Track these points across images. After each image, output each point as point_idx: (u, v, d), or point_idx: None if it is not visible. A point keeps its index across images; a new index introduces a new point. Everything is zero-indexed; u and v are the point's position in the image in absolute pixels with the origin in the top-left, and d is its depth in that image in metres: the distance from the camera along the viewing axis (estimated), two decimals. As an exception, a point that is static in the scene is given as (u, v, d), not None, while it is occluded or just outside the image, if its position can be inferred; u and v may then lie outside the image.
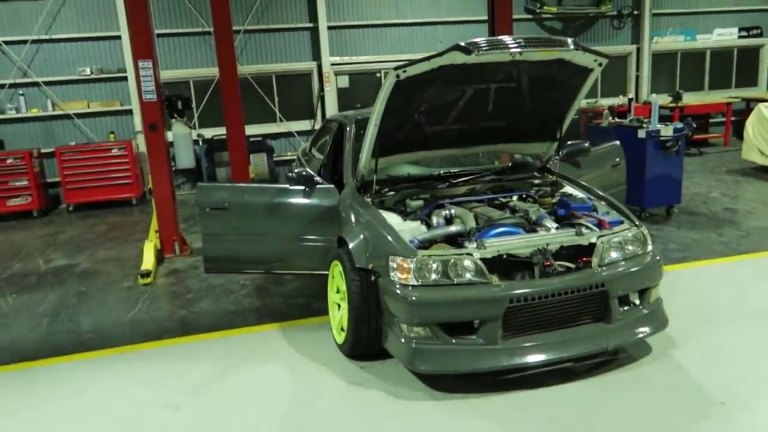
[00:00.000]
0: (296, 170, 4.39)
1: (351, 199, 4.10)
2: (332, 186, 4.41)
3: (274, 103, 10.78)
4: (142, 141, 10.04)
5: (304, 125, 10.90)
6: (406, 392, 3.38)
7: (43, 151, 9.63)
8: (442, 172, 4.46)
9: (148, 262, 5.94)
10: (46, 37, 9.58)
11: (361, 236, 3.69)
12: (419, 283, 3.26)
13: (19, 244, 7.61)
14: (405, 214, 3.93)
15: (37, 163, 9.26)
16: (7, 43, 9.44)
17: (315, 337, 4.15)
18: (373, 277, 3.50)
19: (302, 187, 4.35)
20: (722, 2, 12.55)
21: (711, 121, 12.04)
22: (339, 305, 3.90)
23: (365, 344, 3.64)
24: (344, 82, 10.98)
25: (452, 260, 3.28)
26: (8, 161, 8.93)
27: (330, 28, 10.56)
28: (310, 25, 10.56)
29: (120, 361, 4.07)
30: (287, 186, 4.43)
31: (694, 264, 5.30)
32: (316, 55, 10.71)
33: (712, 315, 4.18)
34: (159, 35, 8.24)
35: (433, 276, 3.27)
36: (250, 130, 10.42)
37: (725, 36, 12.69)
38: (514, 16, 11.37)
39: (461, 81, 3.71)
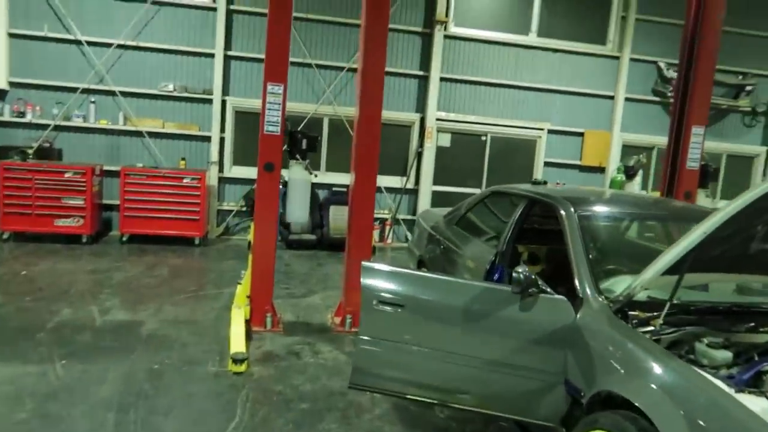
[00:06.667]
0: (520, 270, 3.03)
1: (611, 328, 2.74)
2: (563, 298, 3.06)
3: (365, 152, 9.56)
4: (214, 173, 8.90)
5: (393, 182, 9.63)
6: None
7: (106, 168, 8.44)
8: (733, 303, 3.08)
9: (239, 341, 4.54)
10: (133, 43, 8.53)
11: (679, 412, 2.27)
12: None
13: (68, 279, 6.26)
14: (699, 366, 2.54)
15: (97, 181, 8.04)
16: (90, 43, 8.40)
17: None
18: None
19: (517, 291, 3.00)
20: None
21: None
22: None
23: None
24: (445, 140, 9.78)
25: None
26: (66, 175, 7.69)
27: (442, 79, 9.45)
28: (421, 73, 9.47)
29: None
30: (497, 286, 3.12)
31: None
32: (420, 107, 9.57)
33: None
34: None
35: None
36: (332, 178, 9.29)
37: None
38: (640, 96, 10.41)
39: None
